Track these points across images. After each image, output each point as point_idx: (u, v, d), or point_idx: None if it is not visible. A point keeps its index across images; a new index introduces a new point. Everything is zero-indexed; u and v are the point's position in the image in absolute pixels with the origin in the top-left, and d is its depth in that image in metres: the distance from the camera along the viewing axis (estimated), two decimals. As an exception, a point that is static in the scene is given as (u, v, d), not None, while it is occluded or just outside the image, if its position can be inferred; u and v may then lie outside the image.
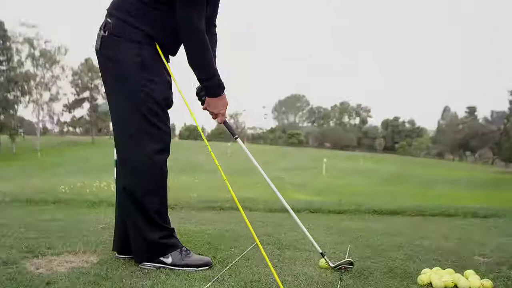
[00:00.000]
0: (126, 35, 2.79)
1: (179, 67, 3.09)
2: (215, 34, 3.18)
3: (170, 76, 2.96)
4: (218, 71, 2.95)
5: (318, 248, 2.97)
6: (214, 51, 3.12)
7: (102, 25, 2.86)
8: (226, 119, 3.06)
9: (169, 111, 2.98)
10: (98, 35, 2.86)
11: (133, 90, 2.79)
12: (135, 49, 2.79)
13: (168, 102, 2.94)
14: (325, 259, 2.93)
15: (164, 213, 2.95)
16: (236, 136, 3.08)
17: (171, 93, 2.97)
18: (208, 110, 3.03)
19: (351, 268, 2.93)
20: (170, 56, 3.05)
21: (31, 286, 2.43)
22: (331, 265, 2.92)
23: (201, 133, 3.08)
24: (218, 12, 3.15)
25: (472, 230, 4.76)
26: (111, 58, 2.83)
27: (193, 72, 2.90)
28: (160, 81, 2.86)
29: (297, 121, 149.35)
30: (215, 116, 3.04)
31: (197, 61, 2.86)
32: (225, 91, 2.98)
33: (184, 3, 2.73)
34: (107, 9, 2.88)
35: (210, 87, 2.93)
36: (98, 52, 2.89)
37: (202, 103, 3.04)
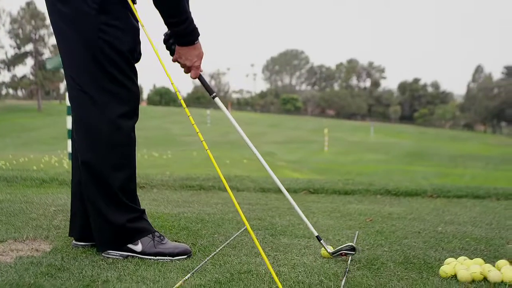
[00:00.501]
0: None
1: (149, 10, 3.04)
2: None
3: (137, 22, 2.93)
4: (191, 14, 2.90)
5: (314, 231, 3.00)
6: None
7: None
8: (202, 74, 3.05)
9: (136, 66, 2.97)
10: None
11: (89, 38, 2.76)
12: None
13: (135, 55, 2.93)
14: (322, 244, 2.95)
15: (132, 191, 2.97)
16: (214, 94, 3.05)
17: (139, 42, 2.95)
18: (179, 63, 3.00)
19: (353, 254, 2.95)
20: None
21: (-30, 278, 2.46)
22: (329, 251, 2.95)
23: (179, 98, 3.03)
24: None
25: (505, 214, 4.82)
26: None
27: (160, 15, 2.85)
28: (125, 27, 2.83)
29: (293, 83, 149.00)
30: (187, 69, 3.00)
31: (166, 0, 2.80)
32: (200, 39, 2.96)
33: None
34: None
35: (182, 34, 2.88)
36: None
37: (172, 53, 2.99)
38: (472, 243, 3.51)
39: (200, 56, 2.97)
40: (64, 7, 2.77)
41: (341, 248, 2.94)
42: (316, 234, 2.98)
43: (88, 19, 2.75)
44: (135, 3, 2.94)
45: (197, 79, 3.06)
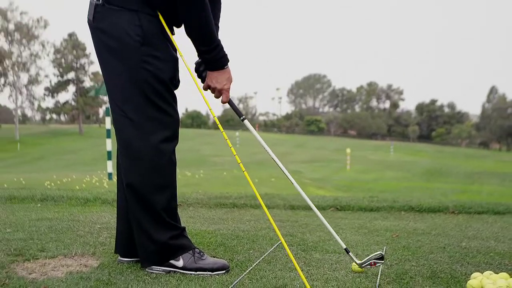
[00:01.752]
0: (122, 3, 2.77)
1: (186, 40, 3.07)
2: (219, 2, 3.18)
3: (176, 51, 2.96)
4: (221, 41, 2.92)
5: (342, 244, 2.96)
6: (217, 19, 3.12)
7: None
8: (231, 98, 3.05)
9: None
10: (91, 3, 2.86)
11: (133, 69, 2.79)
12: (134, 19, 2.77)
13: (175, 82, 2.95)
14: (350, 256, 2.92)
15: (173, 210, 2.98)
16: (243, 117, 3.05)
17: (178, 70, 2.97)
18: (209, 88, 3.00)
19: (382, 263, 2.91)
20: (175, 28, 3.03)
21: (24, 292, 2.48)
22: (358, 262, 2.91)
23: (216, 121, 3.04)
24: None
25: (526, 229, 4.77)
26: (106, 31, 2.82)
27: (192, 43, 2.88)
28: (165, 57, 2.86)
29: (317, 106, 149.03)
30: (218, 93, 3.00)
31: (197, 30, 2.81)
32: (229, 64, 2.97)
33: None
34: None
35: (213, 60, 2.90)
36: (91, 24, 2.88)
37: (202, 81, 3.02)
38: (496, 257, 3.46)
39: (229, 80, 2.99)
40: (110, 39, 2.81)
41: (370, 257, 2.90)
42: (344, 246, 2.94)
43: (132, 50, 2.78)
44: (174, 34, 2.97)
45: (230, 106, 3.08)
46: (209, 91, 3.02)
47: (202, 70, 2.99)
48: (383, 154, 66.33)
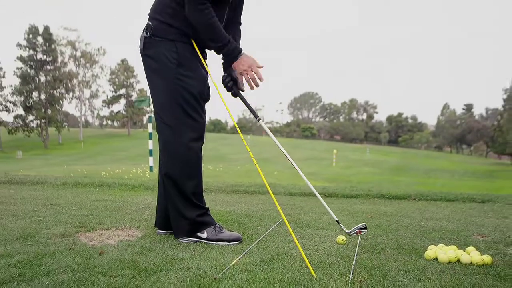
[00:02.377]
0: (164, 35, 2.82)
1: (218, 65, 3.08)
2: (240, 31, 3.16)
3: (206, 72, 2.96)
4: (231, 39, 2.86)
5: (334, 216, 2.92)
6: (239, 45, 3.07)
7: (144, 28, 2.89)
8: (250, 104, 3.00)
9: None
10: (141, 36, 2.89)
11: (170, 84, 2.82)
12: (172, 47, 2.81)
13: (203, 96, 2.94)
14: (341, 226, 2.88)
15: (200, 194, 2.98)
16: (259, 118, 3.04)
17: (206, 87, 2.95)
18: (242, 75, 2.89)
19: (366, 232, 2.88)
20: (208, 52, 3.04)
21: (86, 255, 2.48)
22: (346, 231, 2.88)
23: (237, 128, 3.06)
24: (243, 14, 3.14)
25: (471, 213, 4.72)
26: (152, 57, 2.86)
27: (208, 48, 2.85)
28: (196, 76, 2.87)
29: (310, 116, 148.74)
30: (251, 73, 2.86)
31: (208, 32, 2.77)
32: (247, 60, 2.86)
33: None
34: (148, 14, 2.91)
35: (229, 53, 2.84)
36: (142, 52, 2.91)
37: (228, 90, 2.97)
38: (447, 234, 3.43)
39: (250, 60, 2.87)
40: (154, 63, 2.86)
41: (356, 227, 2.87)
42: (336, 219, 2.92)
43: (170, 71, 2.81)
44: (206, 58, 2.98)
45: (248, 109, 3.03)
46: (234, 99, 3.00)
47: (227, 81, 2.94)
48: (361, 154, 66.12)
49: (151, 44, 2.86)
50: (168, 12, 2.82)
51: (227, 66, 2.94)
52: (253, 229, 3.36)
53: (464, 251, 2.74)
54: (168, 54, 2.81)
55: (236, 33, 3.11)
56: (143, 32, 2.89)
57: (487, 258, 2.60)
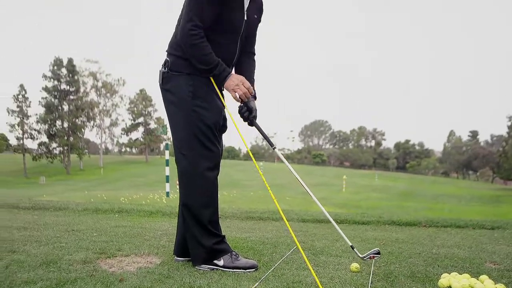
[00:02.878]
0: (181, 69, 2.84)
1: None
2: (254, 61, 3.15)
3: (222, 103, 2.95)
4: (256, 95, 2.91)
5: (348, 242, 2.88)
6: (252, 75, 3.08)
7: (163, 63, 2.92)
8: (264, 130, 2.99)
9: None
10: (160, 71, 2.92)
11: (187, 116, 2.82)
12: (188, 81, 2.83)
13: (219, 126, 2.93)
14: (355, 251, 2.83)
15: (216, 222, 2.95)
16: (274, 146, 3.03)
17: (222, 118, 2.96)
18: (234, 95, 2.85)
19: (379, 256, 2.83)
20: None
21: (107, 282, 2.45)
22: (360, 255, 2.83)
23: (251, 155, 3.05)
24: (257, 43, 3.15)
25: (481, 240, 4.61)
26: (170, 90, 2.88)
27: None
28: (211, 108, 2.86)
29: (320, 143, 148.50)
30: (239, 92, 2.83)
31: (197, 55, 2.76)
32: (236, 78, 2.83)
33: (184, 10, 2.76)
34: (166, 50, 2.94)
35: (217, 74, 2.81)
36: (161, 86, 2.94)
37: (244, 120, 2.94)
38: (460, 261, 3.34)
39: (238, 78, 2.84)
40: (172, 95, 2.88)
41: (370, 252, 2.83)
42: (350, 244, 2.87)
43: (186, 103, 2.83)
44: (222, 90, 2.98)
45: (264, 138, 3.02)
46: (249, 127, 2.98)
47: (243, 111, 2.91)
48: (369, 180, 65.62)
49: (169, 78, 2.88)
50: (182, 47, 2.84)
51: (220, 88, 2.92)
52: (268, 256, 3.30)
53: (478, 280, 2.66)
54: (185, 87, 2.83)
55: (250, 63, 3.11)
56: (162, 67, 2.91)
57: (501, 287, 2.52)
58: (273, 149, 2.98)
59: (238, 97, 2.87)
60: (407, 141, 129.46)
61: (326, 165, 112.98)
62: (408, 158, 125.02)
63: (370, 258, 2.82)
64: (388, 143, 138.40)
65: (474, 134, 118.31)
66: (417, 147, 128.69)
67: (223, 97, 2.97)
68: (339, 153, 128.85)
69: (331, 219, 2.95)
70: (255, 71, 3.16)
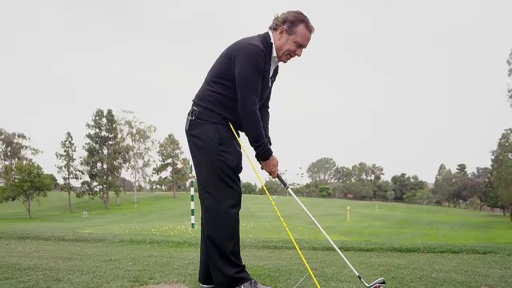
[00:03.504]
0: (207, 119, 2.84)
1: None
2: (268, 113, 3.17)
3: (240, 148, 2.96)
4: (271, 140, 2.96)
5: (355, 272, 2.80)
6: (267, 125, 3.11)
7: (190, 111, 2.91)
8: (279, 174, 3.00)
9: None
10: (187, 119, 2.91)
11: (213, 159, 2.80)
12: (214, 129, 2.82)
13: (239, 168, 2.92)
14: (362, 281, 2.75)
15: (237, 253, 2.87)
16: (287, 186, 3.03)
17: (241, 161, 2.95)
18: (264, 169, 2.98)
19: (384, 286, 2.73)
20: (240, 132, 3.05)
21: (140, 309, 2.39)
22: (367, 285, 2.73)
23: (265, 190, 3.02)
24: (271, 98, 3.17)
25: (476, 264, 4.44)
26: (197, 136, 2.86)
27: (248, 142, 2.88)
28: (233, 152, 2.86)
29: (326, 178, 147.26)
30: (269, 173, 2.97)
31: (250, 133, 2.80)
32: (274, 155, 2.93)
33: (242, 91, 2.76)
34: (193, 100, 2.95)
35: (262, 153, 2.86)
36: (187, 132, 2.92)
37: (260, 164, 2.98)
38: (458, 285, 3.20)
39: (275, 164, 2.93)
40: (199, 141, 2.85)
41: (375, 282, 2.74)
42: (357, 274, 2.78)
43: (212, 148, 2.80)
44: (239, 136, 2.97)
45: (277, 177, 3.03)
46: (264, 170, 3.00)
47: (259, 158, 2.94)
48: (371, 210, 64.61)
49: (196, 126, 2.87)
50: (210, 100, 2.86)
51: (258, 160, 2.97)
52: (283, 283, 3.20)
53: (476, 303, 2.53)
54: (212, 134, 2.82)
55: (266, 116, 3.13)
56: (189, 116, 2.91)
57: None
58: (286, 188, 3.05)
59: (270, 176, 2.98)
60: (403, 175, 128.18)
61: (331, 197, 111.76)
62: (404, 189, 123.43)
63: (376, 287, 2.72)
64: (386, 177, 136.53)
65: (462, 167, 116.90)
66: (411, 180, 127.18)
67: (241, 142, 2.96)
68: (343, 186, 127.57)
69: (338, 250, 2.87)
70: (269, 121, 3.19)
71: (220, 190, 2.81)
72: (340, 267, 4.01)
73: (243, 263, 2.91)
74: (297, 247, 2.75)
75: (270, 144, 3.02)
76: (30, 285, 3.01)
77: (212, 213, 2.83)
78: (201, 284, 3.02)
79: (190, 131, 2.90)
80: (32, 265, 3.88)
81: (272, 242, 6.02)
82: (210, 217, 2.83)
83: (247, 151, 2.95)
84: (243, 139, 2.99)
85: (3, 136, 74.66)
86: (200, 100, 2.90)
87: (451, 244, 6.17)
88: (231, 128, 2.88)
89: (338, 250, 2.87)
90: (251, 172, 3.02)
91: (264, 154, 2.88)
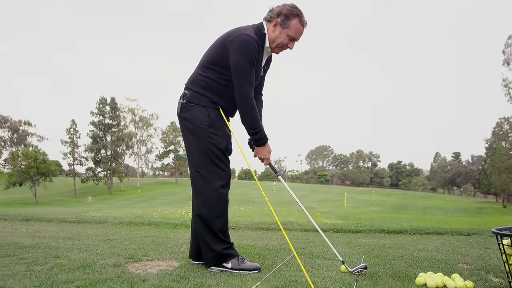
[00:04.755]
0: (198, 102, 2.88)
1: (238, 126, 3.13)
2: (261, 101, 3.20)
3: (230, 131, 3.01)
4: (264, 127, 2.95)
5: (340, 257, 2.89)
6: (261, 112, 3.14)
7: (181, 95, 2.96)
8: (271, 162, 3.04)
9: (230, 157, 2.99)
10: (179, 102, 2.96)
11: (203, 141, 2.85)
12: (204, 112, 2.86)
13: (228, 150, 2.98)
14: (345, 266, 2.84)
15: (226, 231, 2.95)
16: (278, 173, 3.08)
17: (231, 143, 3.00)
18: (257, 156, 3.03)
19: (366, 271, 2.83)
20: (230, 118, 3.10)
21: (131, 282, 2.47)
22: (350, 270, 2.82)
23: (254, 175, 3.09)
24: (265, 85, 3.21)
25: (458, 244, 4.51)
26: (188, 119, 2.91)
27: (245, 128, 2.91)
28: (223, 135, 2.91)
29: (324, 165, 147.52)
30: (262, 160, 3.01)
31: (247, 120, 2.83)
32: (269, 142, 2.97)
33: (237, 79, 2.79)
34: (185, 84, 3.00)
35: (258, 139, 2.91)
36: (179, 115, 2.97)
37: (253, 150, 3.03)
38: (436, 263, 3.28)
39: (269, 151, 2.97)
40: (189, 123, 2.90)
41: (358, 267, 2.83)
42: (341, 259, 2.87)
43: (203, 130, 2.85)
44: (229, 121, 3.02)
45: (269, 165, 3.08)
46: (257, 157, 3.04)
47: (252, 144, 3.00)
48: (367, 196, 64.83)
49: (187, 109, 2.91)
50: (201, 84, 2.90)
51: (251, 145, 3.01)
52: (271, 260, 3.29)
53: (450, 278, 2.62)
54: (202, 117, 2.86)
55: (259, 104, 3.15)
56: (180, 99, 2.96)
57: (469, 284, 2.48)
58: (277, 176, 3.08)
59: (263, 163, 3.02)
60: (399, 162, 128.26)
61: (329, 184, 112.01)
62: (400, 176, 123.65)
63: (358, 272, 2.80)
64: (383, 164, 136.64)
65: (456, 155, 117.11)
66: (407, 167, 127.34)
67: (230, 126, 3.01)
68: (340, 173, 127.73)
69: (322, 233, 2.94)
70: (263, 108, 3.22)
71: (210, 171, 2.87)
72: (327, 247, 4.08)
73: (231, 241, 2.99)
74: (280, 226, 2.84)
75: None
76: (30, 261, 3.10)
77: (202, 193, 2.89)
78: (191, 261, 3.10)
79: (182, 114, 2.95)
80: (33, 243, 3.97)
81: (266, 224, 6.09)
82: (201, 196, 2.90)
83: (237, 137, 3.01)
84: (234, 126, 3.04)
85: (9, 123, 74.81)
86: (192, 84, 2.94)
87: (438, 227, 6.24)
88: (221, 112, 2.92)
89: (322, 234, 2.96)
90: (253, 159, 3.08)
91: (260, 140, 2.92)
